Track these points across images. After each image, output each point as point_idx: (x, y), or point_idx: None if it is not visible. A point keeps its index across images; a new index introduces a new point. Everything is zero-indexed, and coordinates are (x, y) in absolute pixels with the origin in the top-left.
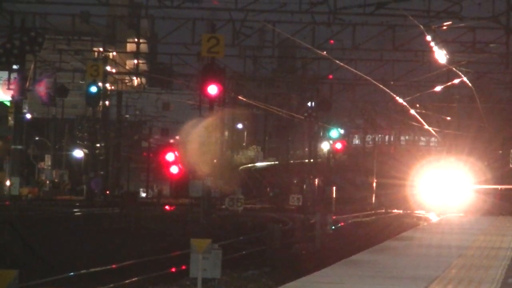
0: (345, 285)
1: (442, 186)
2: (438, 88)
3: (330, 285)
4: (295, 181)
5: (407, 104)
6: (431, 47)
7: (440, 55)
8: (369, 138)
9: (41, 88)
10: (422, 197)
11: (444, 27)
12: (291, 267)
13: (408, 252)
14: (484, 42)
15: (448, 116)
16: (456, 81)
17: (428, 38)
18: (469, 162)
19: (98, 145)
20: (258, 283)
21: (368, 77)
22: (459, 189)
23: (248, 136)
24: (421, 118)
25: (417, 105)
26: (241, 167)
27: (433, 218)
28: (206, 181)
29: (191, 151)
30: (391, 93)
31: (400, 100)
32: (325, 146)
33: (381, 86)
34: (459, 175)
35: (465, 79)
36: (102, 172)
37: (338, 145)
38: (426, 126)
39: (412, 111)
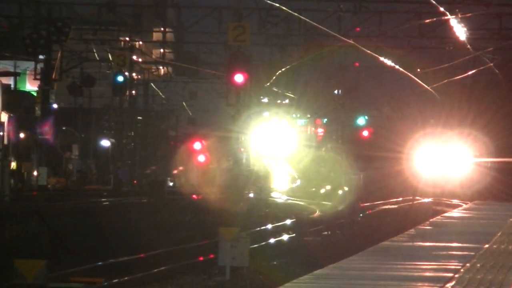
0: (373, 272)
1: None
2: (464, 75)
3: (359, 272)
4: (322, 169)
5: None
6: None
7: (464, 38)
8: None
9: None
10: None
11: (470, 14)
12: (320, 255)
13: (437, 238)
14: (510, 28)
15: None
16: (482, 67)
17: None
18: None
19: (125, 134)
20: (287, 271)
21: (395, 65)
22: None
23: None
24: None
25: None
26: (268, 156)
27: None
28: (233, 170)
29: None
30: (418, 80)
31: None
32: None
33: (408, 73)
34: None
35: (491, 65)
36: (129, 162)
37: (365, 133)
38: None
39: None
